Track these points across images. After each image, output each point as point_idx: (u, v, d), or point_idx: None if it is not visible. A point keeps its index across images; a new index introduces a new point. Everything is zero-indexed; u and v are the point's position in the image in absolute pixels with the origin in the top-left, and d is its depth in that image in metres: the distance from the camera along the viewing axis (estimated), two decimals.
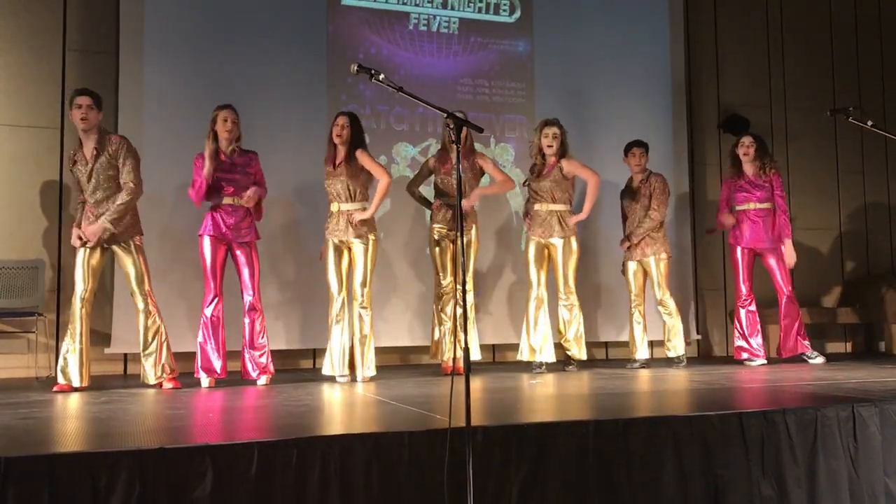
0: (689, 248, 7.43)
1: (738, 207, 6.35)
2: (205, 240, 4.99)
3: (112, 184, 4.83)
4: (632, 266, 6.21)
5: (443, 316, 5.59)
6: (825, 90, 8.13)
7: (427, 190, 5.93)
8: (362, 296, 5.11)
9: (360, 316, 5.11)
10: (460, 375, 2.78)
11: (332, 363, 5.07)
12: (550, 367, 5.65)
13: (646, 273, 6.20)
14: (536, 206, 5.72)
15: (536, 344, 5.61)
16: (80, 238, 4.80)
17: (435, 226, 5.67)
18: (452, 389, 2.73)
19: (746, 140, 6.37)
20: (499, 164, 6.84)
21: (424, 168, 5.86)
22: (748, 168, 6.35)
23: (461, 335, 2.84)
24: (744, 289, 6.33)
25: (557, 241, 5.67)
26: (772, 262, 6.34)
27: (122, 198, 4.80)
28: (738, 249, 6.34)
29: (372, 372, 5.11)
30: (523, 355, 5.68)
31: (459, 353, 2.85)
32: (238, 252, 5.07)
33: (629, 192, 6.29)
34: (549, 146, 5.66)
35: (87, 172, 4.81)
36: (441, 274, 5.63)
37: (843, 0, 8.36)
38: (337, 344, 5.06)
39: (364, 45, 6.59)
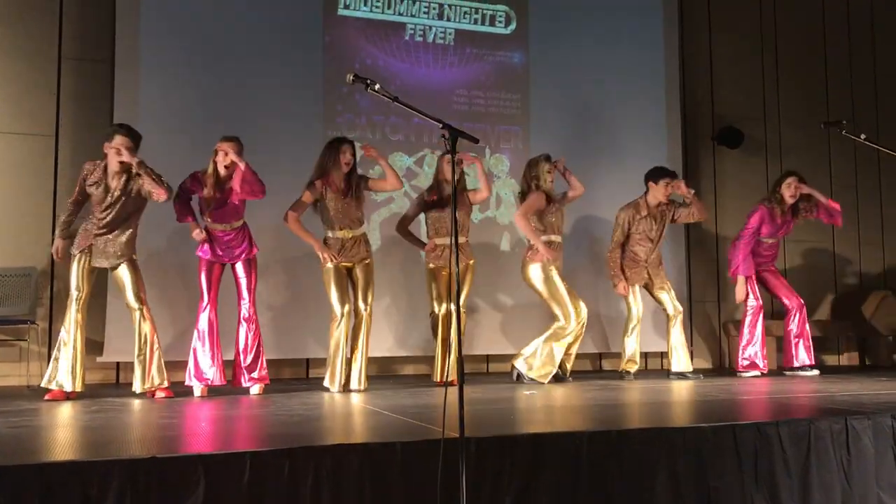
0: (684, 260, 7.44)
1: (762, 237, 6.39)
2: (201, 259, 5.02)
3: (127, 218, 4.86)
4: (638, 288, 6.12)
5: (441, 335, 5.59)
6: (819, 104, 8.17)
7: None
8: (367, 310, 5.18)
9: (367, 329, 5.17)
10: (454, 386, 2.78)
11: (333, 377, 5.06)
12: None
13: (649, 289, 6.18)
14: (554, 238, 5.73)
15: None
16: (58, 252, 4.86)
17: (430, 263, 5.64)
18: (446, 400, 2.73)
19: (793, 181, 6.34)
20: (493, 175, 6.86)
21: (419, 202, 5.78)
22: (787, 205, 6.37)
23: (455, 349, 2.83)
24: (753, 300, 6.32)
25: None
26: (770, 278, 6.45)
27: (163, 189, 4.78)
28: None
29: (365, 384, 5.16)
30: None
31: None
32: (236, 265, 5.09)
33: (649, 216, 6.10)
34: (552, 181, 5.74)
35: (110, 200, 4.79)
36: (436, 300, 5.60)
37: (836, 14, 8.43)
38: (340, 360, 5.07)
39: (360, 56, 6.60)
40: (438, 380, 5.57)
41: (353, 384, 5.11)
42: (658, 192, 6.05)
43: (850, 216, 8.23)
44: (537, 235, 5.64)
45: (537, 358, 5.56)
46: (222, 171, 4.96)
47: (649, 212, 6.08)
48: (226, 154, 4.90)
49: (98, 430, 3.41)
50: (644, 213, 6.07)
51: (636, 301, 6.09)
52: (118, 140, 4.73)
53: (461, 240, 5.63)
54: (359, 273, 5.22)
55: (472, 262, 5.73)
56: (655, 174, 6.09)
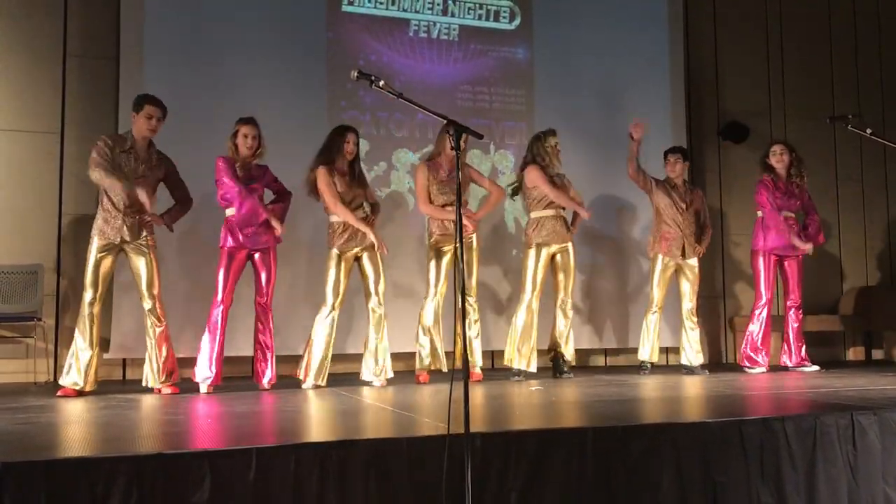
0: None
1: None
2: (225, 253, 4.98)
3: (153, 192, 4.93)
4: (668, 269, 6.10)
5: (424, 327, 5.49)
6: (824, 98, 8.15)
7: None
8: (380, 296, 5.18)
9: (382, 319, 5.18)
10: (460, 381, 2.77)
11: (314, 371, 5.07)
12: (530, 375, 5.64)
13: (676, 276, 6.17)
14: (547, 213, 5.67)
15: (532, 354, 5.59)
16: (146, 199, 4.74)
17: (429, 245, 5.55)
18: (451, 396, 2.73)
19: (777, 148, 6.37)
20: (498, 171, 6.86)
21: (422, 178, 5.56)
22: (782, 175, 6.34)
23: (459, 342, 2.83)
24: (766, 296, 6.24)
25: (569, 246, 5.71)
26: (792, 268, 6.34)
27: (184, 207, 5.08)
28: (766, 254, 6.27)
29: (391, 373, 5.20)
30: (524, 364, 5.57)
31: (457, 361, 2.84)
32: (257, 257, 5.09)
33: (674, 192, 6.14)
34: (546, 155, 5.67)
35: (139, 175, 4.81)
36: (435, 284, 5.48)
37: (842, 8, 8.39)
38: (321, 353, 5.09)
39: (364, 52, 6.60)
40: (420, 367, 5.46)
41: (375, 380, 5.12)
42: (667, 169, 6.19)
43: (857, 210, 8.23)
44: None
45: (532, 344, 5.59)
46: (243, 151, 5.02)
47: (669, 182, 6.16)
48: (246, 138, 5.02)
49: (104, 426, 3.42)
50: (666, 185, 6.15)
51: (662, 283, 6.12)
52: (149, 110, 4.82)
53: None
54: (367, 263, 5.19)
55: (476, 235, 5.64)
56: (664, 154, 6.26)
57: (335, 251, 5.14)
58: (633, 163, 6.00)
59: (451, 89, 6.80)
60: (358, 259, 5.21)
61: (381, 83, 3.21)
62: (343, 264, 5.15)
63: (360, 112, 6.47)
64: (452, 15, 6.89)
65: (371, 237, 5.11)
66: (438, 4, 6.85)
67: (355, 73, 3.27)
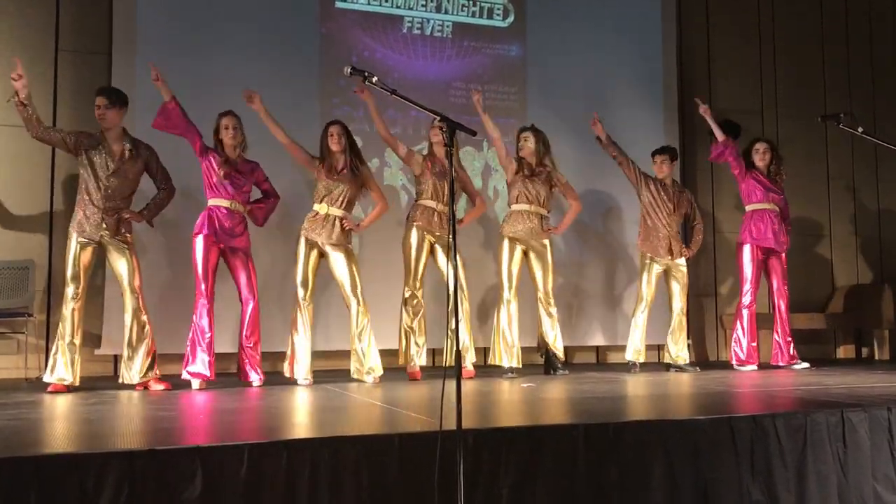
0: None
1: (758, 206, 6.33)
2: (198, 240, 4.95)
3: (130, 187, 4.89)
4: (656, 268, 6.15)
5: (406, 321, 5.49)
6: (816, 97, 8.17)
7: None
8: (358, 298, 5.12)
9: (363, 318, 5.12)
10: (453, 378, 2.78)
11: (297, 366, 5.07)
12: (521, 371, 5.65)
13: (666, 277, 6.19)
14: (523, 208, 5.67)
15: (516, 350, 5.61)
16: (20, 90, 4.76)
17: (415, 228, 5.49)
18: (444, 392, 2.73)
19: (761, 147, 6.42)
20: (491, 168, 6.86)
21: (411, 154, 5.62)
22: (763, 170, 6.39)
23: (452, 339, 2.83)
24: (752, 291, 6.25)
25: (546, 243, 5.70)
26: (776, 265, 6.36)
27: (164, 196, 5.03)
28: (753, 248, 6.30)
29: (380, 371, 5.15)
30: (510, 361, 5.57)
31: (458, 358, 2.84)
32: (232, 256, 5.07)
33: (663, 192, 6.18)
34: (522, 147, 5.74)
35: (112, 169, 4.80)
36: (413, 279, 5.46)
37: (833, 7, 8.42)
38: (303, 345, 5.08)
39: (357, 48, 6.59)
40: (412, 364, 5.43)
41: (367, 378, 5.10)
42: (655, 170, 6.23)
43: (847, 209, 8.26)
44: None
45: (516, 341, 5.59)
46: (227, 143, 5.04)
47: (658, 182, 6.19)
48: (227, 129, 5.07)
49: (95, 422, 3.41)
50: (656, 182, 6.19)
51: (650, 284, 6.15)
52: (96, 101, 4.81)
53: (445, 208, 5.49)
54: (334, 265, 5.15)
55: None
56: (651, 155, 6.31)
57: (302, 238, 5.16)
58: (610, 147, 6.11)
59: (444, 86, 6.80)
60: (325, 256, 5.19)
61: (375, 79, 3.21)
62: (311, 255, 5.15)
63: (353, 108, 6.45)
64: (446, 12, 6.88)
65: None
66: (432, 1, 6.84)
67: (348, 69, 3.26)
